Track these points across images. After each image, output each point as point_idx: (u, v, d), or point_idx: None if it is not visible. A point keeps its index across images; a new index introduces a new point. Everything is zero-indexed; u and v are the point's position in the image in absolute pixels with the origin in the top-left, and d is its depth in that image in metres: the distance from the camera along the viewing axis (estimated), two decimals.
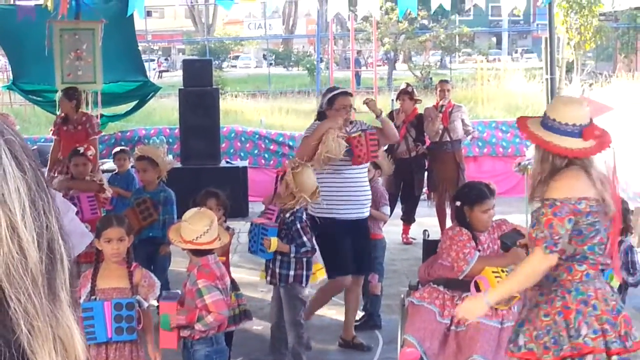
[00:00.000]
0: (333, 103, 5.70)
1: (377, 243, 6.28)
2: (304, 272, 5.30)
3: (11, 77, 11.43)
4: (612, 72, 27.64)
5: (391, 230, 8.02)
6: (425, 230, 5.76)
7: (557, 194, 3.32)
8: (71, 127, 8.36)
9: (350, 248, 5.67)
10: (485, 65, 27.68)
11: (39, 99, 10.51)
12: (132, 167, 7.51)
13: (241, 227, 7.91)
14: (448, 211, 7.94)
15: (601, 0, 18.48)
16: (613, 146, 3.41)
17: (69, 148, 7.72)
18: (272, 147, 11.59)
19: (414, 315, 4.69)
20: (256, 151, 11.55)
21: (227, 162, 10.77)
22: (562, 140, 3.37)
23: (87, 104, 9.23)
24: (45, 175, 0.86)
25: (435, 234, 6.21)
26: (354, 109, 5.86)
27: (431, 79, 28.17)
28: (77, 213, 6.03)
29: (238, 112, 21.12)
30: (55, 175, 7.49)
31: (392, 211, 7.39)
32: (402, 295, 5.19)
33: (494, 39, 49.07)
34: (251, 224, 5.45)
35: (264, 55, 45.41)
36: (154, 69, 34.23)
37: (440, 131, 8.72)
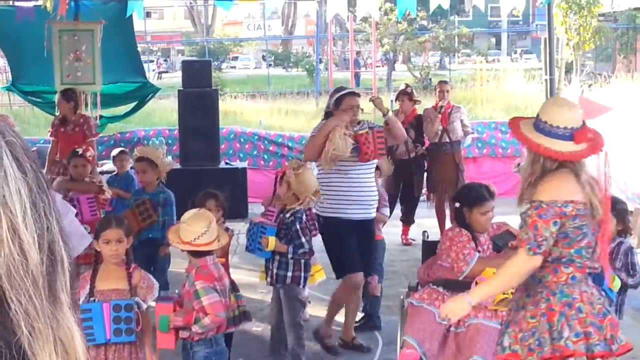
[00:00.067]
0: (340, 103, 5.69)
1: (376, 244, 6.27)
2: (302, 274, 5.30)
3: (10, 78, 11.42)
4: (611, 72, 27.67)
5: (391, 231, 8.02)
6: (424, 231, 5.76)
7: (543, 197, 3.31)
8: (69, 128, 8.35)
9: (356, 246, 5.66)
10: (484, 66, 27.67)
11: (38, 100, 10.50)
12: (131, 168, 7.51)
13: (240, 229, 7.91)
14: (447, 212, 7.94)
15: (600, 0, 18.48)
16: (606, 150, 3.39)
17: (66, 149, 7.72)
18: (271, 148, 11.59)
19: (413, 317, 4.69)
20: (255, 152, 11.55)
21: (227, 163, 10.76)
22: (553, 143, 3.36)
23: (86, 105, 9.24)
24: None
25: (434, 235, 6.21)
26: (362, 109, 5.85)
27: (430, 79, 28.20)
28: (76, 215, 6.03)
29: (237, 113, 21.12)
30: (54, 177, 7.48)
31: (391, 212, 7.39)
32: (402, 297, 5.18)
33: (493, 40, 49.11)
34: (250, 223, 5.46)
35: (263, 56, 45.44)
36: (153, 70, 34.24)
37: (440, 132, 8.72)
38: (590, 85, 21.77)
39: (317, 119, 6.57)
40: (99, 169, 8.78)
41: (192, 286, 4.20)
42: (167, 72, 39.85)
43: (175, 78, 28.36)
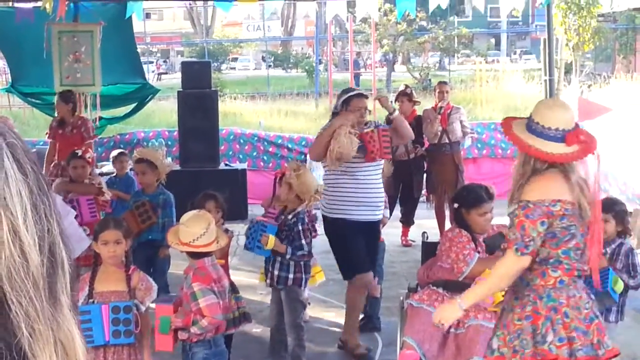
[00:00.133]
0: (348, 104, 5.66)
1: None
2: (303, 276, 5.31)
3: (10, 80, 11.42)
4: (610, 73, 27.69)
5: (390, 232, 8.01)
6: (424, 233, 5.75)
7: (530, 196, 3.31)
8: (67, 130, 8.35)
9: (363, 246, 5.65)
10: (484, 66, 27.70)
11: (37, 101, 10.50)
12: (131, 169, 7.51)
13: (240, 230, 7.90)
14: (447, 213, 7.93)
15: (599, 1, 18.49)
16: (598, 152, 3.38)
17: (64, 151, 7.71)
18: (271, 149, 11.59)
19: (413, 318, 4.69)
20: (255, 153, 11.55)
21: (226, 165, 10.76)
22: (544, 144, 3.35)
23: (85, 107, 9.24)
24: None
25: (434, 236, 6.21)
26: (369, 110, 5.84)
27: (430, 80, 28.21)
28: (76, 216, 6.03)
29: (237, 114, 21.11)
30: (52, 179, 7.48)
31: (391, 213, 7.39)
32: (402, 298, 5.18)
33: (493, 40, 49.15)
34: (251, 221, 5.45)
35: (262, 57, 45.44)
36: (153, 71, 34.27)
37: (439, 133, 8.72)
38: (589, 86, 21.79)
39: (317, 120, 6.57)
40: (98, 171, 8.77)
41: (189, 288, 4.20)
42: (166, 73, 39.90)
43: (175, 79, 28.36)
